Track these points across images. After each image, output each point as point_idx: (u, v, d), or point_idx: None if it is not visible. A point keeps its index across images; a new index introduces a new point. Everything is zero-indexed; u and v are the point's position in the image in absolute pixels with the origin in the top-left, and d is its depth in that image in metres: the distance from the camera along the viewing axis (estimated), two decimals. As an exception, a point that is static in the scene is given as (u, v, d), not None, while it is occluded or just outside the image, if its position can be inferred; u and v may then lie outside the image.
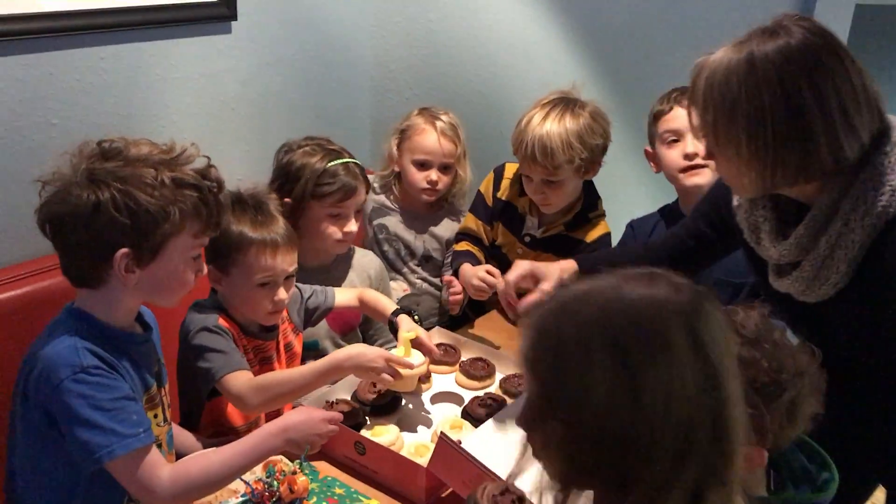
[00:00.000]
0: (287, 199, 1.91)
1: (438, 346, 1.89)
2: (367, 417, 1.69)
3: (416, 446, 1.59)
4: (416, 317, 1.82)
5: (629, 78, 2.30)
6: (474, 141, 2.34)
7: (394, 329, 1.80)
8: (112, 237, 1.26)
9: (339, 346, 2.01)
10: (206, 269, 1.43)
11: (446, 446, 1.40)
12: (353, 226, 1.97)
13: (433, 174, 2.23)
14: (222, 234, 1.47)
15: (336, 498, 1.48)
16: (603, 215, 2.17)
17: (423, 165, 2.24)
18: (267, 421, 1.56)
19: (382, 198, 2.35)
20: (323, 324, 1.98)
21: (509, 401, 1.73)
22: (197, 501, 1.40)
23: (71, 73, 1.85)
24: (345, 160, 1.95)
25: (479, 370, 1.85)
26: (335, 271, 2.06)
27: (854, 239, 1.23)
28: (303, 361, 1.85)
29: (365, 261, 2.13)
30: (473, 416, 1.68)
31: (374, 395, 1.72)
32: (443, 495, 1.51)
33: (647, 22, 2.24)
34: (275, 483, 1.42)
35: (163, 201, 1.26)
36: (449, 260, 2.30)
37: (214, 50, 2.16)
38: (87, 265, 1.30)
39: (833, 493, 1.19)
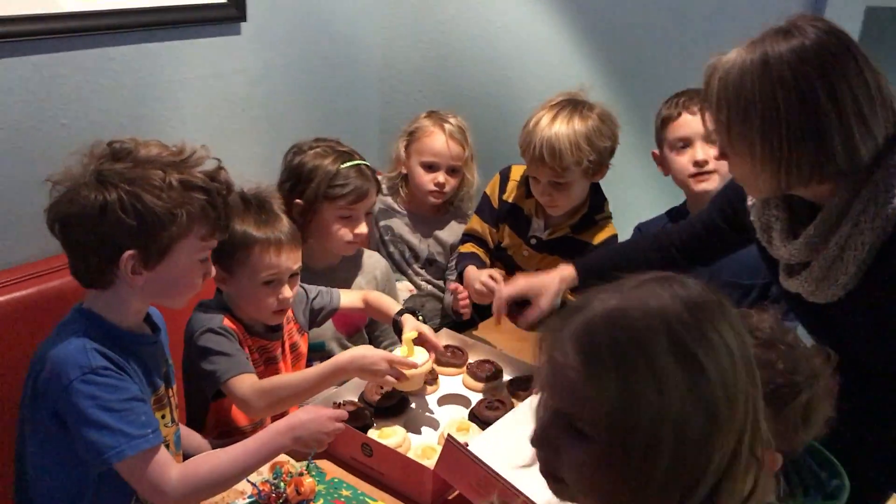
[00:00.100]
0: (298, 201, 1.91)
1: (446, 347, 1.89)
2: (374, 419, 1.69)
3: (422, 448, 1.59)
4: (420, 316, 1.81)
5: (637, 80, 2.29)
6: (482, 143, 2.34)
7: (398, 329, 1.80)
8: (119, 238, 1.26)
9: (345, 348, 2.01)
10: (214, 272, 1.43)
11: (453, 448, 1.39)
12: (363, 228, 1.96)
13: (441, 176, 2.23)
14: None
15: (342, 499, 1.48)
16: (609, 218, 2.16)
17: (430, 167, 2.24)
18: (273, 421, 1.56)
19: (389, 200, 2.35)
20: (329, 325, 1.98)
21: (516, 403, 1.73)
22: (204, 502, 1.40)
23: (80, 74, 1.85)
24: (357, 162, 1.95)
25: (486, 372, 1.85)
26: (342, 272, 2.06)
27: (863, 240, 1.22)
28: (309, 363, 1.85)
29: (371, 262, 2.13)
30: (480, 418, 1.68)
31: (381, 397, 1.72)
32: (449, 497, 1.50)
33: (654, 24, 2.23)
34: (281, 484, 1.43)
35: (170, 204, 1.26)
36: (453, 264, 2.30)
37: (224, 51, 2.16)
38: (94, 266, 1.30)
39: (844, 502, 1.18)
